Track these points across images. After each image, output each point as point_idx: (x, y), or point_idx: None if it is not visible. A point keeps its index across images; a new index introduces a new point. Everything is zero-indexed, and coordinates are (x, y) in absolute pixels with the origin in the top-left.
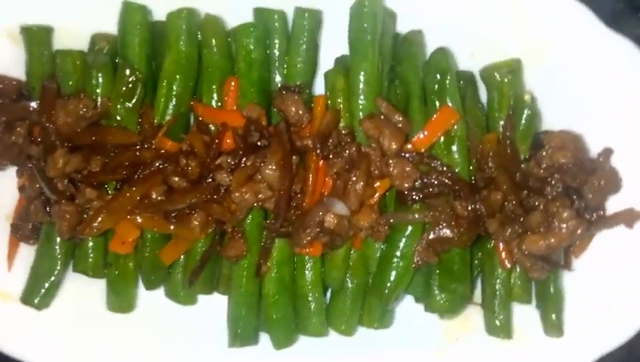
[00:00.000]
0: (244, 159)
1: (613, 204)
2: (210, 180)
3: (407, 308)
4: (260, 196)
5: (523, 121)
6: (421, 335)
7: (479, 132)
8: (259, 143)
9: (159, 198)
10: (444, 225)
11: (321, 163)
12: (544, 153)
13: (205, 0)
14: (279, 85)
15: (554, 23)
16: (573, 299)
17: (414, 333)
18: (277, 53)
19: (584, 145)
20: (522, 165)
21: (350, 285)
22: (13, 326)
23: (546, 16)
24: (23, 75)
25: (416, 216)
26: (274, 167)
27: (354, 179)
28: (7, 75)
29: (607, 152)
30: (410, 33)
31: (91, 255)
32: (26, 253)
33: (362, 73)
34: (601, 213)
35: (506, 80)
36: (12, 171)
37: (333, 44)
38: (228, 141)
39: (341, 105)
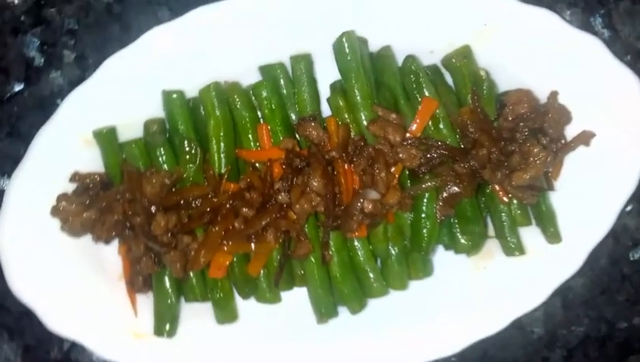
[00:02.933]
0: (294, 180)
1: (570, 131)
2: (274, 202)
3: (441, 257)
4: (313, 203)
5: (485, 91)
6: (456, 273)
7: (455, 108)
8: (300, 166)
9: (240, 227)
10: (451, 184)
11: (347, 166)
12: (507, 110)
13: (221, 71)
14: (297, 118)
15: (482, 11)
16: (562, 211)
17: (451, 274)
18: (287, 95)
19: (534, 95)
20: (494, 124)
21: (394, 252)
22: (154, 355)
23: (475, 8)
24: (100, 168)
25: (429, 183)
26: (318, 179)
27: (377, 170)
28: (90, 171)
29: (554, 94)
30: (382, 49)
31: (197, 286)
32: (143, 301)
33: (357, 91)
34: (563, 141)
35: (462, 63)
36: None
37: (325, 75)
38: (276, 170)
39: (348, 120)
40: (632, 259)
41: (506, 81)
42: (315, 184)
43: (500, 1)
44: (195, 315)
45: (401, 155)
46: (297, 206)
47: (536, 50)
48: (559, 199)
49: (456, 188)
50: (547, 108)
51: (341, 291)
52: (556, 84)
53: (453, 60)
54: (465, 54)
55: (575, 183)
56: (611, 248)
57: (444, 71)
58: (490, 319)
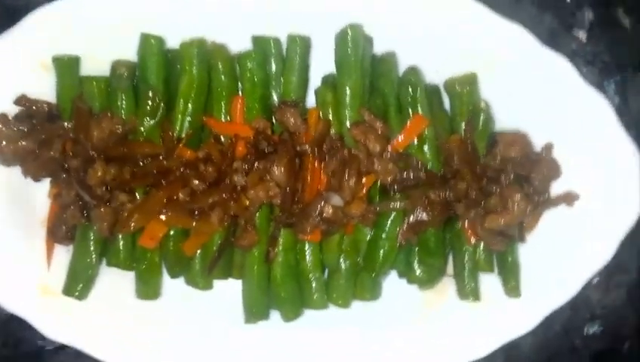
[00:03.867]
0: (256, 163)
1: (556, 188)
2: (228, 182)
3: (392, 283)
4: (269, 193)
5: (480, 124)
6: (404, 304)
7: (445, 134)
8: (266, 150)
9: (185, 199)
10: (420, 209)
11: (317, 164)
12: (498, 149)
13: (211, 30)
14: (277, 101)
15: (501, 43)
16: (527, 266)
17: (398, 303)
18: (274, 74)
19: (529, 141)
20: (481, 160)
21: (344, 265)
22: (56, 315)
23: (494, 39)
24: (52, 98)
25: (398, 204)
26: (282, 169)
27: (347, 176)
28: (39, 99)
29: (549, 146)
30: (386, 54)
31: (122, 251)
32: (61, 254)
33: (348, 89)
34: (546, 195)
35: (465, 90)
36: (40, 183)
37: (319, 65)
38: (240, 149)
39: (331, 116)
40: (585, 333)
41: (503, 120)
42: (276, 173)
43: (520, 38)
44: (112, 283)
45: (376, 167)
46: (252, 191)
47: (543, 96)
48: (528, 253)
49: (424, 215)
50: (539, 158)
51: (278, 294)
52: (555, 135)
53: (457, 86)
54: (470, 82)
55: (548, 241)
56: (568, 316)
57: (443, 93)
58: (427, 359)
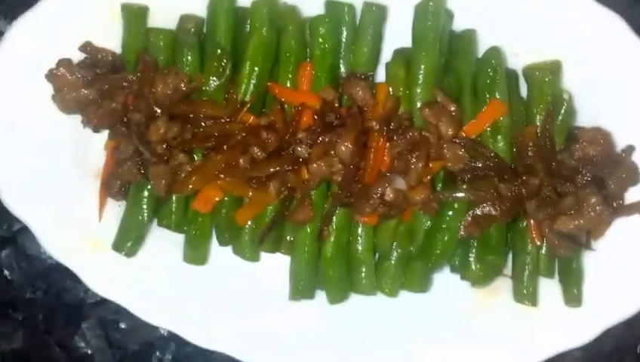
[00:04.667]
0: (321, 137)
1: (631, 195)
2: (290, 152)
3: (442, 277)
4: (332, 169)
5: (560, 117)
6: (454, 300)
7: (519, 124)
8: (333, 123)
9: (245, 166)
10: (488, 203)
11: (382, 143)
12: (577, 146)
13: None
14: (347, 72)
15: (589, 30)
16: (590, 275)
17: (448, 298)
18: (344, 43)
19: (612, 141)
20: (557, 156)
21: (396, 253)
22: (105, 271)
23: (583, 24)
24: (117, 48)
25: (465, 194)
26: (348, 145)
27: (414, 159)
28: (104, 47)
29: (630, 149)
30: (466, 31)
31: (174, 212)
32: (111, 209)
33: (423, 66)
34: (620, 202)
35: (547, 79)
36: (99, 134)
37: (392, 38)
38: (305, 119)
39: (401, 93)
40: (638, 351)
41: (584, 114)
42: (342, 149)
43: (613, 27)
44: (163, 243)
45: (446, 152)
46: (314, 165)
47: (630, 93)
48: (592, 262)
49: (491, 210)
50: (619, 160)
51: (326, 274)
52: (638, 138)
53: (538, 73)
54: (553, 70)
55: (614, 251)
56: (621, 333)
57: (521, 80)
58: (474, 360)
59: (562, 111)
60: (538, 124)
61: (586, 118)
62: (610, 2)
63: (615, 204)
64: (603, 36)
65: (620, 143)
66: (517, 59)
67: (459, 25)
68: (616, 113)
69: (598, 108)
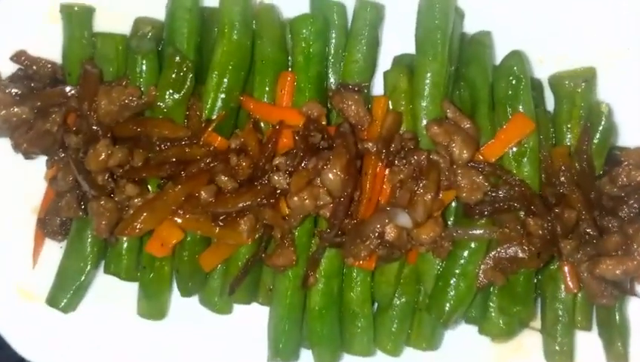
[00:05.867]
0: (304, 161)
1: None
2: (266, 182)
3: (457, 331)
4: (318, 202)
5: (598, 135)
6: (469, 359)
7: (547, 144)
8: (319, 146)
9: (209, 199)
10: (514, 243)
11: (381, 169)
12: (621, 170)
13: None
14: (336, 83)
15: (631, 31)
16: (637, 328)
17: (462, 357)
18: (333, 49)
19: None
20: (596, 182)
21: (399, 302)
22: (36, 329)
23: (620, 23)
24: (56, 57)
25: (484, 231)
26: (338, 172)
27: (421, 189)
28: (42, 57)
29: None
30: (480, 34)
31: (125, 256)
32: (49, 250)
33: (429, 74)
34: None
35: (578, 89)
36: (40, 161)
37: (391, 43)
38: (285, 140)
39: (403, 108)
40: None
41: (625, 133)
42: (330, 177)
43: None
44: (108, 296)
45: (460, 179)
46: (296, 198)
47: None
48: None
49: (518, 251)
50: None
51: (314, 330)
52: None
53: (567, 82)
54: (586, 78)
55: None
56: None
57: (547, 91)
58: None
59: (601, 127)
60: (569, 143)
61: (628, 136)
62: None
63: None
64: None
65: None
66: (541, 67)
67: (471, 27)
68: None
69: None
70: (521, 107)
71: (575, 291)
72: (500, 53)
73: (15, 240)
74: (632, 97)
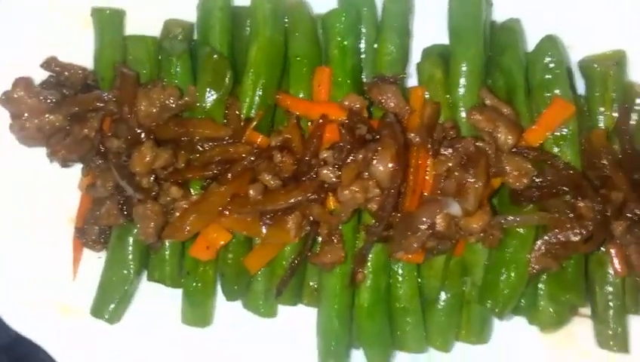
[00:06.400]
0: (352, 154)
1: None
2: (313, 176)
3: (505, 322)
4: (368, 195)
5: (635, 115)
6: (520, 350)
7: (583, 128)
8: (365, 137)
9: (257, 197)
10: (567, 227)
11: (424, 160)
12: None
13: None
14: (371, 76)
15: None
16: None
17: (512, 348)
18: (365, 42)
19: None
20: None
21: (445, 296)
22: (79, 343)
23: None
24: (88, 64)
25: (533, 217)
26: (389, 163)
27: (472, 177)
28: (72, 63)
29: None
30: (510, 21)
31: (169, 262)
32: (89, 263)
33: (466, 63)
34: None
35: (611, 72)
36: (73, 170)
37: (423, 34)
38: (329, 135)
39: (439, 98)
40: None
41: None
42: (381, 168)
43: None
44: (155, 303)
45: (506, 165)
46: (347, 191)
47: None
48: None
49: (570, 235)
50: None
51: (364, 329)
52: None
53: (597, 66)
54: (617, 60)
55: None
56: None
57: (577, 76)
58: None
59: (637, 107)
60: (602, 126)
61: None
62: None
63: None
64: None
65: None
66: (571, 52)
67: (500, 15)
68: None
69: None
70: (558, 91)
71: (624, 275)
72: (528, 41)
73: (52, 253)
74: None
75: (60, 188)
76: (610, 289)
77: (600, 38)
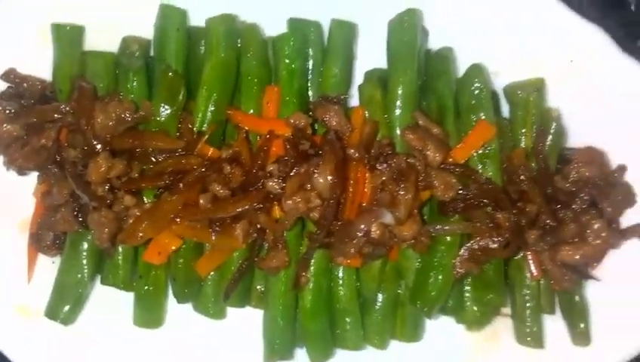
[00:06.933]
0: (296, 167)
1: (626, 219)
2: (260, 187)
3: (433, 321)
4: (309, 205)
5: (550, 137)
6: (449, 348)
7: (506, 147)
8: (308, 152)
9: (208, 206)
10: (485, 235)
11: (363, 173)
12: (572, 168)
13: (241, 9)
14: (316, 96)
15: (572, 44)
16: (596, 309)
17: (441, 346)
18: (312, 64)
19: (607, 161)
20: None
21: (382, 297)
22: (34, 343)
23: (564, 39)
24: (47, 75)
25: (458, 226)
26: (328, 176)
27: (402, 190)
28: (31, 75)
29: (622, 169)
30: (444, 49)
31: (122, 267)
32: (43, 267)
33: (401, 86)
34: (616, 226)
35: (531, 98)
36: (27, 178)
37: (365, 58)
38: (275, 149)
39: (378, 117)
40: None
41: (574, 135)
42: (321, 181)
43: (600, 40)
44: (108, 305)
45: (434, 180)
46: (290, 201)
47: (620, 109)
48: (595, 294)
49: (489, 242)
50: (614, 181)
51: (307, 328)
52: (632, 158)
53: (520, 92)
54: (537, 87)
55: (617, 280)
56: None
57: (503, 100)
58: None
59: (552, 130)
60: (524, 146)
61: (575, 137)
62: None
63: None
64: (586, 50)
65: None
66: (497, 78)
67: (434, 44)
68: (606, 131)
69: (585, 127)
70: (483, 114)
71: (539, 278)
72: (460, 67)
73: (7, 258)
74: (578, 103)
75: (10, 195)
76: (527, 291)
77: (523, 66)
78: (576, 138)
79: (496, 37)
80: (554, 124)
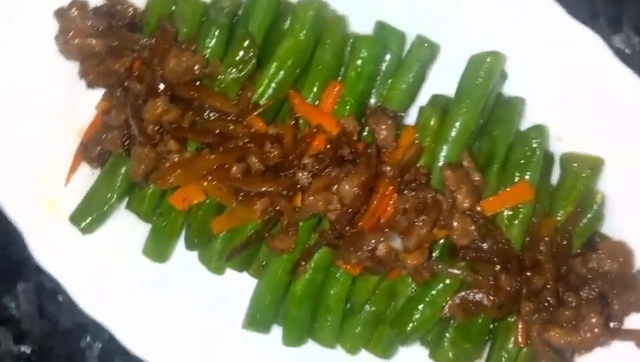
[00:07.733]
0: (328, 168)
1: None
2: (290, 174)
3: (410, 348)
4: (329, 206)
5: (585, 219)
6: None
7: (540, 212)
8: (344, 158)
9: (237, 175)
10: (483, 290)
11: (391, 192)
12: (594, 256)
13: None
14: (376, 104)
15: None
16: None
17: None
18: (383, 72)
19: (632, 261)
20: (569, 260)
21: (369, 309)
22: (53, 240)
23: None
24: (140, 5)
25: (461, 272)
26: (354, 187)
27: (420, 222)
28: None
29: None
30: (516, 99)
31: (148, 199)
32: (82, 176)
33: (459, 123)
34: (618, 324)
35: (583, 174)
36: (94, 91)
37: (434, 81)
38: (317, 143)
39: (426, 144)
40: None
41: (609, 224)
42: (346, 188)
43: None
44: (125, 228)
45: (455, 223)
46: (312, 198)
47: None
48: None
49: (484, 298)
50: (633, 282)
51: (289, 311)
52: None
53: (576, 164)
54: (594, 165)
55: None
56: None
57: (556, 166)
58: None
59: (591, 213)
60: (559, 218)
61: (610, 228)
62: None
63: (612, 325)
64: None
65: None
66: (559, 143)
67: (509, 89)
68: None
69: (625, 222)
70: (527, 176)
71: (522, 346)
72: (525, 121)
73: (54, 154)
74: (628, 195)
75: (75, 103)
76: (505, 354)
77: (587, 141)
78: (611, 229)
79: (570, 103)
80: (595, 207)
